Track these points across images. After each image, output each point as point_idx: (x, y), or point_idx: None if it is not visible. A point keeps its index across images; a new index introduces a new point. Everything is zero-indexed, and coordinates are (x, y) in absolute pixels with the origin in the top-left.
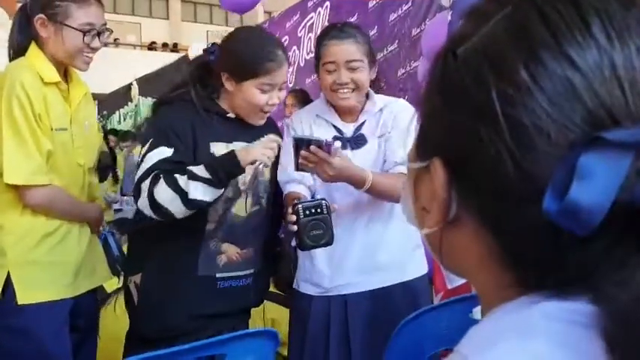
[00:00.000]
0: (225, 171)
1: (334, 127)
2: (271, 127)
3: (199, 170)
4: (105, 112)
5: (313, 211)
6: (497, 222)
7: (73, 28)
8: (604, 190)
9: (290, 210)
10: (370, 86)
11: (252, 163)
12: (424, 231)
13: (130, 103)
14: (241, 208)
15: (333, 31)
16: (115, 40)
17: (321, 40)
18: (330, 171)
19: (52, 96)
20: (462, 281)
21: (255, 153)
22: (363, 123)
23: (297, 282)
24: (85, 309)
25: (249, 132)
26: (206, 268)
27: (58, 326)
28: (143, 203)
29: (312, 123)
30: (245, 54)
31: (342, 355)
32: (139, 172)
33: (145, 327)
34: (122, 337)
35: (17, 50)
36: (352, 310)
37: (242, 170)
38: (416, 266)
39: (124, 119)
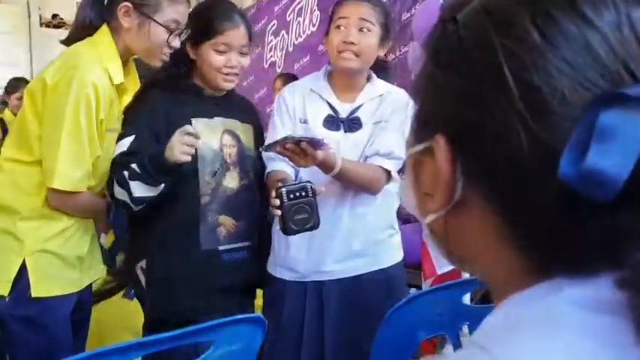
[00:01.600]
0: (155, 169)
1: (329, 105)
2: (247, 108)
3: (136, 167)
4: None
5: (297, 194)
6: (507, 200)
7: (159, 24)
8: (626, 149)
9: (273, 194)
10: (377, 70)
11: (178, 163)
12: (428, 218)
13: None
14: (232, 180)
15: None
16: None
17: (337, 2)
18: (310, 163)
19: (114, 97)
20: (452, 266)
21: (175, 154)
22: (360, 106)
23: (271, 266)
24: (83, 303)
25: (226, 109)
26: (209, 242)
27: (66, 319)
28: (108, 196)
29: (306, 97)
30: (201, 17)
31: (316, 341)
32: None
33: (157, 310)
34: (125, 325)
35: (83, 27)
36: (327, 297)
37: (171, 166)
38: (392, 253)
39: None
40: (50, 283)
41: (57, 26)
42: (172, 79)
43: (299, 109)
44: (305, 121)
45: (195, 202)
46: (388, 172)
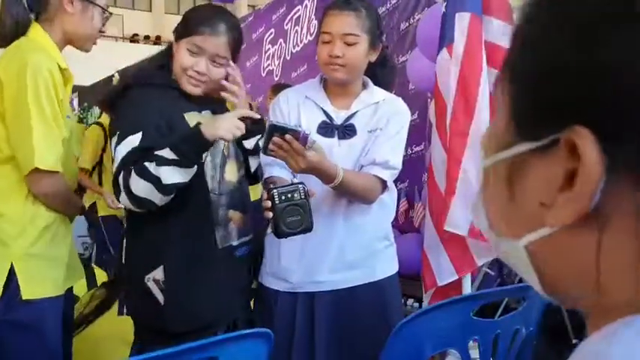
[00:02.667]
0: (192, 149)
1: (324, 111)
2: (224, 106)
3: (166, 153)
4: (85, 104)
5: (290, 196)
6: None
7: (101, 7)
8: None
9: (265, 195)
10: (372, 75)
11: (219, 139)
12: (535, 234)
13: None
14: (232, 173)
15: (339, 1)
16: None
17: (325, 10)
18: (302, 164)
19: (63, 81)
20: (454, 278)
21: (222, 131)
22: (355, 113)
23: (262, 275)
24: (65, 306)
25: (208, 104)
26: (224, 240)
27: (57, 322)
28: (124, 199)
29: (301, 104)
30: (190, 16)
31: (306, 353)
32: (113, 168)
33: (176, 323)
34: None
35: (15, 26)
36: (319, 309)
37: (210, 144)
38: (387, 266)
39: None
40: (40, 284)
41: None
42: (158, 75)
43: (294, 115)
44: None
45: (205, 200)
46: (384, 182)
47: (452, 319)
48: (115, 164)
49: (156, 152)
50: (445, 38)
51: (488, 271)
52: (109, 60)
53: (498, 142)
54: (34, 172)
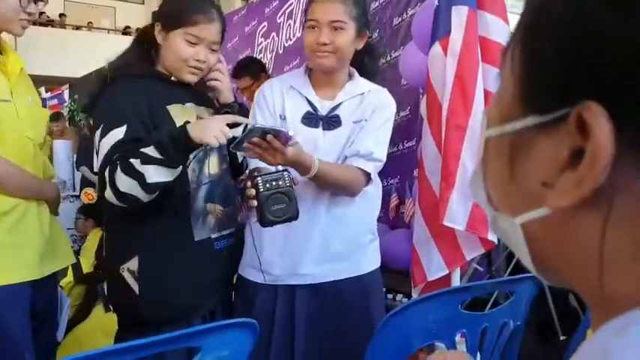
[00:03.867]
0: (177, 150)
1: (308, 101)
2: (209, 96)
3: (151, 151)
4: (76, 97)
5: (274, 184)
6: None
7: None
8: None
9: (249, 183)
10: (359, 65)
11: (205, 144)
12: (533, 213)
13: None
14: (213, 166)
15: None
16: (89, 23)
17: (309, 0)
18: (279, 160)
19: None
20: (444, 272)
21: (208, 136)
22: (340, 104)
23: (243, 267)
24: (44, 294)
25: (194, 95)
26: (201, 232)
27: (20, 311)
28: (109, 194)
29: (285, 93)
30: (179, 2)
31: (285, 347)
32: (98, 162)
33: (151, 311)
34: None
35: None
36: (300, 302)
37: (196, 147)
38: (370, 260)
39: None
40: None
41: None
42: (141, 67)
43: (278, 104)
44: (284, 118)
45: (183, 192)
46: (367, 174)
47: (440, 311)
48: (100, 158)
49: (141, 149)
50: (438, 32)
51: (477, 267)
52: (101, 52)
53: (503, 114)
54: None
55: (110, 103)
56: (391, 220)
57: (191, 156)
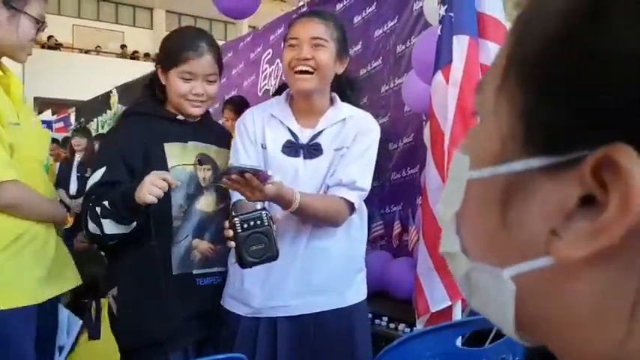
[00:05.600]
0: (124, 209)
1: (289, 130)
2: (222, 134)
3: (108, 205)
4: (82, 120)
5: (252, 223)
6: None
7: (31, 16)
8: None
9: (227, 223)
10: (341, 97)
11: (144, 203)
12: (529, 264)
13: (108, 111)
14: (207, 204)
15: (306, 12)
16: (97, 47)
17: (292, 21)
18: (258, 196)
19: None
20: (447, 304)
21: (142, 195)
22: (321, 131)
23: (224, 298)
24: (45, 316)
25: (201, 133)
26: (181, 266)
27: (25, 334)
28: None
29: (266, 122)
30: (170, 44)
31: None
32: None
33: (125, 337)
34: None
35: None
36: (282, 335)
37: (140, 207)
38: (355, 292)
39: (102, 127)
40: (4, 294)
41: (52, 47)
42: (148, 105)
43: (259, 133)
44: (265, 147)
45: (167, 226)
46: (351, 204)
47: (437, 346)
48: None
49: (103, 201)
50: (440, 61)
51: None
52: (108, 76)
53: (494, 154)
54: None
55: (105, 140)
56: (394, 248)
57: (181, 190)
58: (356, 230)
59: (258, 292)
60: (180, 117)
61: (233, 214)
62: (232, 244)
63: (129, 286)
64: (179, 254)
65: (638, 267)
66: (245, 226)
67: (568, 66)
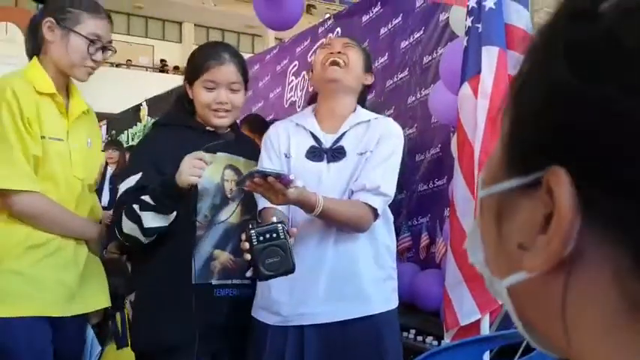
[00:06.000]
0: (166, 197)
1: (313, 136)
2: (251, 146)
3: (147, 198)
4: (113, 132)
5: (268, 236)
6: None
7: (80, 35)
8: None
9: (243, 236)
10: (362, 102)
11: (188, 184)
12: (514, 277)
13: (138, 124)
14: (232, 215)
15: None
16: (127, 61)
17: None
18: (281, 200)
19: (45, 105)
20: (476, 317)
21: (184, 176)
22: (344, 134)
23: (255, 309)
24: (68, 334)
25: (229, 145)
26: (201, 276)
27: (40, 347)
28: (118, 234)
29: (290, 131)
30: (193, 57)
31: None
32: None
33: (142, 342)
34: None
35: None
36: (309, 344)
37: (182, 191)
38: (384, 300)
39: (133, 139)
40: (17, 303)
41: None
42: (178, 117)
43: (283, 144)
44: (289, 156)
45: (189, 235)
46: (375, 210)
47: None
48: (116, 199)
49: (142, 196)
50: (467, 72)
51: None
52: (139, 89)
53: (494, 174)
54: (2, 192)
55: (136, 149)
56: (422, 260)
57: (207, 200)
58: (382, 237)
59: (286, 300)
60: (209, 128)
61: (250, 226)
62: (248, 256)
63: (147, 292)
64: (199, 264)
65: (568, 272)
66: (261, 238)
67: (527, 97)
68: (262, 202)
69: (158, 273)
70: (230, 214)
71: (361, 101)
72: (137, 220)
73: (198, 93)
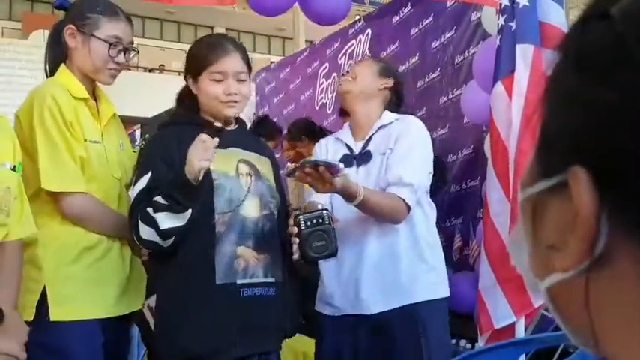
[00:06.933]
0: (179, 194)
1: (346, 145)
2: (263, 144)
3: (160, 199)
4: (147, 136)
5: (315, 222)
6: None
7: (99, 39)
8: None
9: (291, 222)
10: (392, 108)
11: (200, 171)
12: (548, 280)
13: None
14: (251, 209)
15: None
16: (160, 66)
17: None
18: (328, 188)
19: (81, 110)
20: (511, 320)
21: (194, 162)
22: (370, 139)
23: (317, 302)
24: (115, 334)
25: (240, 141)
26: (225, 275)
27: (93, 347)
28: (136, 240)
29: (330, 144)
30: (196, 51)
31: None
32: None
33: (165, 351)
34: None
35: (51, 68)
36: (362, 333)
37: (194, 184)
38: (426, 289)
39: None
40: (72, 306)
41: None
42: (182, 115)
43: (324, 155)
44: None
45: (209, 231)
46: (404, 201)
47: None
48: (130, 204)
49: (154, 198)
50: (500, 71)
51: (545, 312)
52: (171, 93)
53: (529, 177)
54: (55, 195)
55: (144, 150)
56: (455, 262)
57: (224, 195)
58: (421, 229)
59: (337, 292)
60: (217, 124)
61: (297, 212)
62: (296, 240)
63: (168, 295)
64: (223, 262)
65: (597, 273)
66: (308, 223)
67: (552, 99)
68: (308, 197)
69: (179, 275)
70: (250, 210)
71: (393, 105)
72: (153, 224)
73: (206, 86)
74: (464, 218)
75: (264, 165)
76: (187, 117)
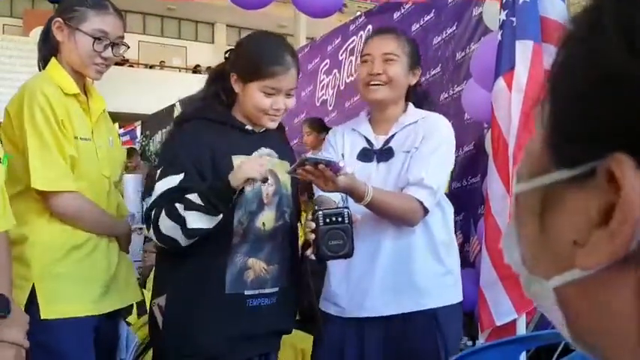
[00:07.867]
0: (217, 197)
1: (365, 139)
2: (284, 141)
3: (194, 197)
4: (148, 133)
5: (334, 219)
6: None
7: (85, 33)
8: None
9: (310, 216)
10: (414, 101)
11: (246, 182)
12: (565, 276)
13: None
14: (267, 221)
15: (378, 29)
16: (161, 62)
17: (365, 39)
18: (331, 187)
19: (72, 107)
20: (513, 317)
21: (246, 170)
22: (393, 136)
23: (321, 300)
24: (105, 330)
25: (268, 143)
26: (234, 286)
27: (83, 345)
28: (151, 233)
29: (346, 135)
30: (254, 54)
31: None
32: (149, 202)
33: (171, 350)
34: None
35: (43, 63)
36: (369, 335)
37: (234, 193)
38: (443, 294)
39: None
40: (61, 304)
41: (119, 63)
42: (217, 111)
43: (339, 146)
44: (344, 156)
45: (225, 242)
46: (421, 203)
47: None
48: (152, 198)
49: (186, 196)
50: (501, 67)
51: None
52: (172, 90)
53: (533, 167)
54: (45, 193)
55: (176, 147)
56: None
57: (242, 206)
58: (438, 233)
59: (344, 293)
60: (248, 127)
61: (316, 207)
62: (312, 236)
63: (179, 298)
64: (233, 273)
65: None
66: (327, 220)
67: (576, 81)
68: (318, 190)
69: (192, 280)
70: (266, 221)
71: (413, 95)
72: (180, 220)
73: (254, 96)
74: (465, 215)
75: (283, 170)
76: (223, 116)
